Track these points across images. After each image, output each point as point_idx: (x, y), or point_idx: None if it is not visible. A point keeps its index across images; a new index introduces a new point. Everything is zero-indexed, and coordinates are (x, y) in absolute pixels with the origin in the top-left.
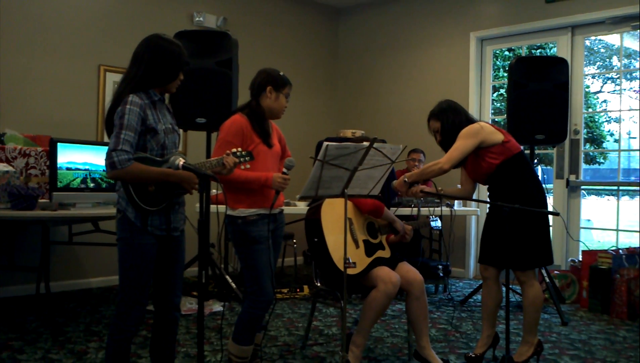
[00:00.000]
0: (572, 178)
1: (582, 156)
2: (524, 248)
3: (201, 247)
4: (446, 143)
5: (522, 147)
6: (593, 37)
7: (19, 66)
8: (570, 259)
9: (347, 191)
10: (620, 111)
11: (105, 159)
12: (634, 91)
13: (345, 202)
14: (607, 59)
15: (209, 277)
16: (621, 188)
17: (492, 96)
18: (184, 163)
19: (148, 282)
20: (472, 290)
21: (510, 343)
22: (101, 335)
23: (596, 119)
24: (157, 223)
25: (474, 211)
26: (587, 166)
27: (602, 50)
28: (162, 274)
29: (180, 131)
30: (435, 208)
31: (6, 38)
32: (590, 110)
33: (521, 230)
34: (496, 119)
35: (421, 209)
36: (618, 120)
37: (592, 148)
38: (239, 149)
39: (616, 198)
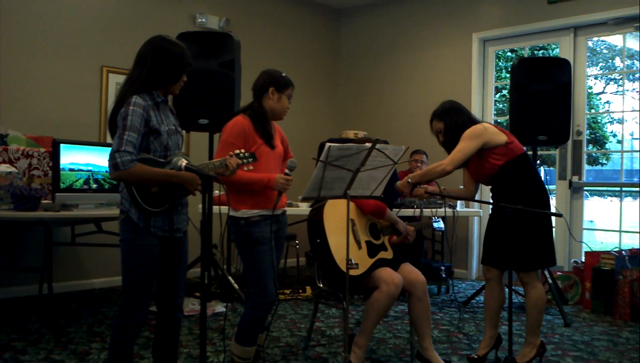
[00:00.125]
0: (575, 179)
1: (584, 157)
2: (526, 249)
3: (204, 248)
4: (449, 143)
5: (525, 148)
6: (595, 38)
7: (20, 67)
8: (573, 260)
9: (350, 192)
10: (622, 112)
11: (109, 161)
12: (637, 92)
13: (348, 203)
14: (610, 60)
15: (211, 278)
16: (624, 189)
17: (495, 97)
18: (186, 164)
19: (151, 283)
20: (474, 291)
21: (513, 344)
22: (104, 335)
23: (599, 120)
24: (160, 224)
25: (477, 212)
26: (590, 167)
27: (604, 51)
28: (164, 275)
29: (183, 132)
30: (438, 209)
31: (8, 38)
32: (592, 111)
33: (524, 231)
34: (499, 120)
35: (423, 210)
36: (621, 121)
37: (594, 149)
38: (242, 150)
39: (619, 199)
